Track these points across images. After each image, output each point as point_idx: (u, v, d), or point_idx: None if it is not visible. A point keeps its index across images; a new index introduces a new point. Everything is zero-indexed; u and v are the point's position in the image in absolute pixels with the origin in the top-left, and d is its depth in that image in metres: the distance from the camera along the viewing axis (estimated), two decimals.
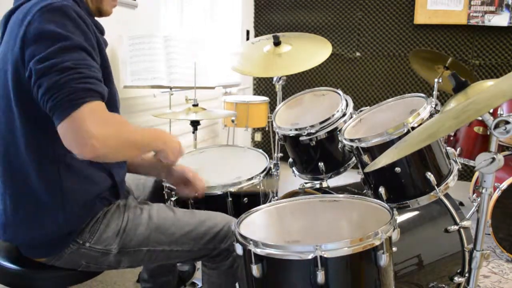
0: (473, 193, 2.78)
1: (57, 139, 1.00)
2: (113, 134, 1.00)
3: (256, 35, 4.37)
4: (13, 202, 1.13)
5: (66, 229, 1.14)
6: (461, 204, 3.05)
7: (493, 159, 0.98)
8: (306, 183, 1.84)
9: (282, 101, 1.98)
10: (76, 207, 1.14)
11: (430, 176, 1.38)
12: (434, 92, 2.92)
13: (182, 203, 1.47)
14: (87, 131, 0.94)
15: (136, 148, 1.12)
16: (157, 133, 1.22)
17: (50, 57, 0.97)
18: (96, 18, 1.22)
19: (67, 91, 0.95)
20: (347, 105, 1.73)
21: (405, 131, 1.34)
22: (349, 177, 1.83)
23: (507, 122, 0.94)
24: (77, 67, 0.97)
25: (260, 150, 1.77)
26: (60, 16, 1.01)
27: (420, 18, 3.83)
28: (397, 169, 1.39)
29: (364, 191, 1.58)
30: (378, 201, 1.24)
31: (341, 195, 1.33)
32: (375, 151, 1.40)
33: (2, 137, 1.12)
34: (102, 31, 1.23)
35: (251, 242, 1.02)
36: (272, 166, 1.62)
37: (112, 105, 1.22)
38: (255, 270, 1.01)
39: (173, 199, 1.47)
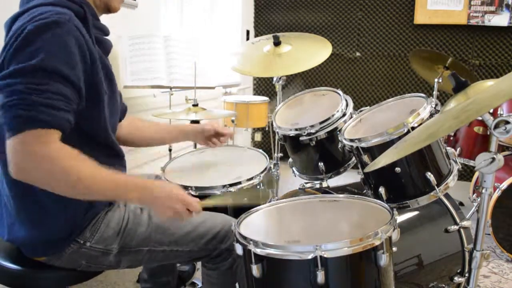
0: (473, 193, 2.78)
1: (65, 139, 1.01)
2: (33, 168, 0.97)
3: (256, 35, 4.37)
4: (17, 203, 1.13)
5: (67, 228, 1.14)
6: (461, 204, 3.05)
7: (493, 159, 0.98)
8: (306, 183, 1.84)
9: (282, 101, 1.98)
10: (77, 207, 1.14)
11: (430, 176, 1.38)
12: (434, 92, 2.92)
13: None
14: (12, 161, 0.97)
15: (78, 190, 1.03)
16: (137, 184, 1.09)
17: (9, 76, 0.96)
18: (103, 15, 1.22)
19: (10, 115, 0.95)
20: (347, 105, 1.72)
21: (405, 131, 1.34)
22: (349, 177, 1.83)
23: (507, 122, 0.93)
24: (28, 91, 0.95)
25: (260, 150, 1.76)
26: (47, 34, 0.99)
27: (420, 18, 3.83)
28: (397, 169, 1.39)
29: (364, 191, 1.58)
30: (378, 201, 1.24)
31: (341, 195, 1.33)
32: (375, 151, 1.40)
33: (4, 138, 1.12)
34: (106, 33, 1.23)
35: (251, 242, 1.02)
36: (272, 166, 1.62)
37: (113, 111, 1.24)
38: (255, 270, 1.01)
39: None
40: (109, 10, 1.22)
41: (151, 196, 1.11)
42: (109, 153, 1.22)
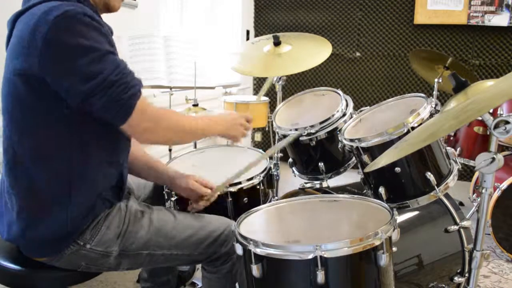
0: (473, 193, 2.78)
1: (64, 141, 1.01)
2: (161, 126, 1.13)
3: (256, 35, 4.37)
4: (17, 201, 1.13)
5: (67, 229, 1.14)
6: (461, 204, 3.05)
7: (493, 159, 0.98)
8: (306, 183, 1.84)
9: (282, 101, 1.99)
10: (77, 208, 1.14)
11: (430, 176, 1.38)
12: (434, 92, 2.92)
13: (182, 204, 1.47)
14: (139, 132, 1.11)
15: (192, 133, 1.24)
16: (217, 118, 1.33)
17: (90, 76, 1.01)
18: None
19: (118, 105, 1.04)
20: (347, 105, 1.73)
21: (405, 131, 1.34)
22: (349, 177, 1.83)
23: (507, 122, 0.94)
24: (118, 78, 1.04)
25: (260, 150, 1.76)
26: (77, 25, 1.01)
27: (420, 18, 3.83)
28: (397, 169, 1.39)
29: (364, 191, 1.58)
30: (378, 201, 1.24)
31: (341, 195, 1.33)
32: (375, 151, 1.40)
33: (8, 139, 1.12)
34: (111, 32, 1.23)
35: (251, 242, 1.02)
36: (272, 166, 1.62)
37: None
38: (255, 270, 1.01)
39: (173, 199, 1.47)
40: (108, 9, 1.22)
41: (228, 125, 1.34)
42: (116, 149, 1.23)
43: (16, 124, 1.10)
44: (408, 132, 1.33)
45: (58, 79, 1.02)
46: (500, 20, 3.62)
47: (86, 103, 1.03)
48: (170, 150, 2.47)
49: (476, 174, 2.79)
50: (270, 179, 1.61)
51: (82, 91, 1.01)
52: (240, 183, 1.47)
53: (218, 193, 1.43)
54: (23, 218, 1.14)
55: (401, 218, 1.52)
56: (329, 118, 1.66)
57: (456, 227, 1.56)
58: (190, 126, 1.21)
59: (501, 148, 2.76)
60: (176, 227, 1.27)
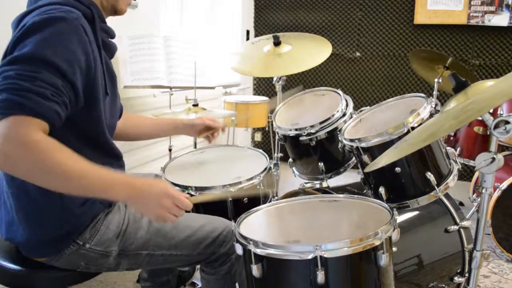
0: (473, 193, 2.78)
1: (61, 136, 1.01)
2: (16, 155, 0.91)
3: (256, 35, 4.37)
4: (15, 201, 1.13)
5: (66, 229, 1.14)
6: (461, 204, 3.05)
7: (493, 159, 0.98)
8: (306, 183, 1.84)
9: (282, 101, 1.98)
10: (76, 207, 1.14)
11: (430, 176, 1.38)
12: (434, 92, 2.92)
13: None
14: None
15: (63, 183, 0.98)
16: (118, 180, 1.03)
17: (6, 64, 0.95)
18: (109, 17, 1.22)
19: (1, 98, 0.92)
20: (347, 105, 1.72)
21: (405, 131, 1.34)
22: (349, 177, 1.83)
23: (507, 122, 0.94)
24: (19, 78, 0.93)
25: (260, 150, 1.76)
26: (49, 28, 0.98)
27: (420, 18, 3.83)
28: (397, 169, 1.39)
29: (364, 191, 1.58)
30: (378, 201, 1.24)
31: (341, 195, 1.33)
32: (375, 151, 1.40)
33: None
34: (112, 35, 1.23)
35: (251, 242, 1.02)
36: (272, 166, 1.62)
37: (114, 113, 1.26)
38: (255, 270, 1.01)
39: None
40: (115, 12, 1.22)
41: (139, 194, 1.05)
42: (107, 153, 1.22)
43: None
44: (408, 132, 1.33)
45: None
46: (500, 20, 3.61)
47: None
48: (170, 150, 2.47)
49: (476, 174, 2.79)
50: (270, 179, 1.61)
51: (2, 64, 0.96)
52: (240, 183, 1.47)
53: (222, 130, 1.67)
54: (21, 218, 1.14)
55: (401, 218, 1.52)
56: (329, 118, 1.66)
57: (456, 227, 1.56)
58: (64, 172, 0.96)
59: (501, 148, 2.76)
60: (175, 227, 1.27)
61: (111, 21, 1.25)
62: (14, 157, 0.91)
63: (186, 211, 1.40)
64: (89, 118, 1.12)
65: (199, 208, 1.47)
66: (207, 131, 1.65)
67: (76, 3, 1.08)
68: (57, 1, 1.06)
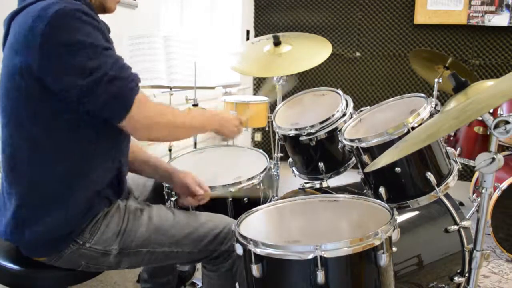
0: (473, 193, 2.78)
1: (63, 141, 1.01)
2: (159, 122, 1.13)
3: (256, 35, 4.37)
4: (15, 201, 1.13)
5: (66, 228, 1.14)
6: (461, 204, 3.05)
7: (493, 159, 0.98)
8: (306, 183, 1.83)
9: (282, 101, 1.98)
10: (76, 207, 1.14)
11: (430, 176, 1.38)
12: (434, 92, 2.92)
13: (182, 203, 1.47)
14: (137, 128, 1.10)
15: (187, 130, 1.26)
16: (211, 116, 1.35)
17: (89, 71, 1.01)
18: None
19: (117, 101, 1.05)
20: (347, 105, 1.72)
21: (405, 131, 1.34)
22: (349, 177, 1.83)
23: (507, 122, 0.93)
24: (116, 73, 1.04)
25: (260, 150, 1.76)
26: (74, 22, 1.01)
27: (420, 18, 3.83)
28: (397, 169, 1.39)
29: (364, 191, 1.58)
30: (378, 201, 1.24)
31: (341, 195, 1.33)
32: (375, 151, 1.40)
33: (8, 138, 1.12)
34: (108, 30, 1.23)
35: (251, 242, 1.02)
36: (272, 166, 1.62)
37: None
38: (255, 270, 1.01)
39: (173, 199, 1.47)
40: (104, 10, 1.23)
41: (221, 121, 1.35)
42: (119, 147, 1.24)
43: (15, 123, 1.10)
44: (408, 132, 1.33)
45: (57, 76, 1.02)
46: (500, 20, 3.62)
47: (86, 99, 1.03)
48: (170, 150, 2.47)
49: (476, 174, 2.79)
50: (270, 179, 1.61)
51: (81, 87, 1.01)
52: (240, 183, 1.47)
53: (209, 197, 1.42)
54: (21, 218, 1.14)
55: (401, 218, 1.52)
56: (329, 118, 1.66)
57: (456, 227, 1.56)
58: (185, 123, 1.22)
59: (501, 148, 2.76)
60: (175, 224, 1.27)
61: (111, 21, 1.25)
62: (156, 126, 1.13)
63: (186, 209, 1.41)
64: None
65: (200, 207, 1.47)
66: (187, 191, 1.42)
67: None
68: None
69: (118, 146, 1.22)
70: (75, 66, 1.01)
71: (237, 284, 1.21)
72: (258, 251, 1.00)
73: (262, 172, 1.54)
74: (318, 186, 1.79)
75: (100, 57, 1.03)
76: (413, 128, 1.33)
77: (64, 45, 1.00)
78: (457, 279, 1.55)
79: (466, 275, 1.52)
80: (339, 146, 1.54)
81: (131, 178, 1.45)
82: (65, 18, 1.00)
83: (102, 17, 1.24)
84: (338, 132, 1.61)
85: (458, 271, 1.57)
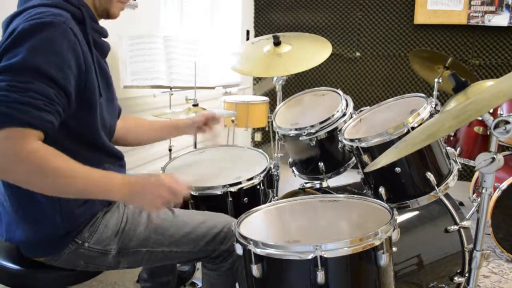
0: (473, 193, 2.78)
1: (58, 141, 1.01)
2: (11, 166, 0.95)
3: (256, 35, 4.37)
4: (13, 202, 1.14)
5: (64, 228, 1.14)
6: (461, 204, 3.05)
7: (493, 159, 0.98)
8: (306, 183, 1.84)
9: (282, 101, 1.98)
10: (75, 207, 1.14)
11: (430, 176, 1.38)
12: (434, 92, 2.92)
13: (181, 203, 1.47)
14: None
15: (61, 187, 1.01)
16: (112, 181, 1.05)
17: (10, 73, 0.95)
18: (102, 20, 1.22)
19: None
20: (347, 105, 1.72)
21: (405, 131, 1.34)
22: (349, 177, 1.83)
23: (507, 122, 0.94)
24: (11, 89, 0.94)
25: (260, 150, 1.76)
26: (39, 34, 0.98)
27: (420, 18, 3.83)
28: (397, 169, 1.39)
29: (364, 191, 1.58)
30: (378, 201, 1.24)
31: (341, 195, 1.33)
32: (375, 151, 1.40)
33: None
34: (104, 35, 1.23)
35: (251, 242, 1.02)
36: (272, 166, 1.62)
37: (111, 114, 1.25)
38: (255, 270, 1.01)
39: None
40: (108, 15, 1.23)
41: (135, 189, 1.07)
42: (106, 155, 1.22)
43: None
44: (408, 132, 1.33)
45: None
46: (500, 20, 3.62)
47: None
48: (170, 150, 2.47)
49: (476, 174, 2.79)
50: (270, 179, 1.61)
51: None
52: (240, 183, 1.47)
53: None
54: (20, 219, 1.14)
55: (401, 218, 1.52)
56: (329, 118, 1.66)
57: (456, 227, 1.56)
58: (66, 182, 1.00)
59: (501, 148, 2.76)
60: (174, 224, 1.27)
61: (111, 21, 1.26)
62: (11, 169, 0.95)
63: (186, 208, 1.41)
64: (84, 120, 1.12)
65: (200, 206, 1.47)
66: (207, 124, 1.59)
67: (65, 4, 1.08)
68: (45, 2, 1.06)
69: (84, 153, 1.13)
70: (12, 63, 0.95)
71: (237, 284, 1.21)
72: (258, 251, 1.00)
73: (262, 172, 1.54)
74: (318, 186, 1.79)
75: (13, 72, 0.95)
76: (413, 128, 1.33)
77: (5, 51, 0.98)
78: (457, 279, 1.55)
79: (466, 275, 1.51)
80: (339, 146, 1.54)
81: None
82: (33, 28, 0.98)
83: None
84: (338, 132, 1.61)
85: (458, 271, 1.57)
